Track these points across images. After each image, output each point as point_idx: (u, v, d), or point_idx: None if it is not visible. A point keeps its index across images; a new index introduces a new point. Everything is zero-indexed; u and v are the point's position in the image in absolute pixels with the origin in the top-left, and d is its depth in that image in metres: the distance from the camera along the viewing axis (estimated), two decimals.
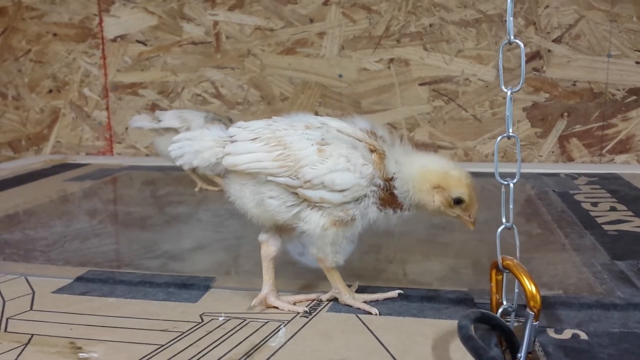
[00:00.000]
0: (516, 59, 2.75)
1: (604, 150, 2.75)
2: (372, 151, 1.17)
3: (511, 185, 1.09)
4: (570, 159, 2.78)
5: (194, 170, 2.31)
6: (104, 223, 1.96)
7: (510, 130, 1.08)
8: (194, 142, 1.21)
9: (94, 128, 3.22)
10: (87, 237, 1.79)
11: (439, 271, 1.49)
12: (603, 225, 1.76)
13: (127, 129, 3.18)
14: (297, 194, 1.15)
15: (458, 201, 1.15)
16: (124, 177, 2.71)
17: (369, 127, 1.21)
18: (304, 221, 1.16)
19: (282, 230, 1.25)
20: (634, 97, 2.69)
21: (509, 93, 1.07)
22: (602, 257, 1.49)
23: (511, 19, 1.06)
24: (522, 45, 1.05)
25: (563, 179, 2.42)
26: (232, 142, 1.19)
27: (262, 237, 1.26)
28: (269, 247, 1.25)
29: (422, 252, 1.60)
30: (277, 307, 1.22)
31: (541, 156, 2.80)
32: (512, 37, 1.06)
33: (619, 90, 2.70)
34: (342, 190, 1.12)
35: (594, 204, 2.00)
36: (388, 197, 1.16)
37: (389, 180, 1.16)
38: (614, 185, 2.28)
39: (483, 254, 1.60)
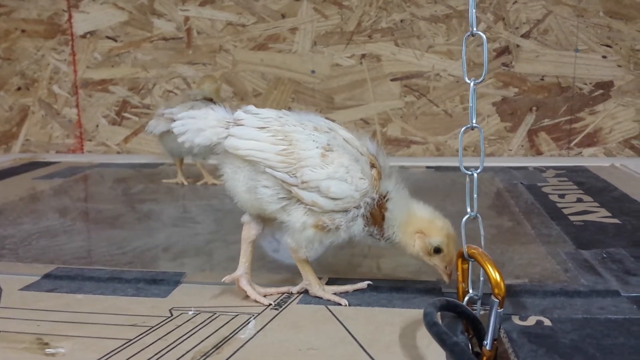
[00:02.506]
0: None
1: (572, 144, 2.80)
2: (372, 166, 1.19)
3: (475, 175, 1.10)
4: (539, 153, 2.83)
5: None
6: (74, 221, 1.94)
7: (474, 121, 1.10)
8: (198, 121, 1.22)
9: (63, 126, 3.18)
10: (56, 235, 1.77)
11: (413, 265, 1.50)
12: (569, 216, 1.79)
13: (97, 126, 3.14)
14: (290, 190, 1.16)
15: (437, 250, 1.17)
16: (95, 174, 2.69)
17: (373, 150, 1.22)
18: (287, 213, 1.17)
19: (264, 219, 1.25)
20: (601, 91, 2.74)
21: (472, 84, 1.09)
22: (567, 247, 1.52)
23: (474, 10, 1.07)
24: (484, 37, 1.07)
25: (532, 172, 2.46)
26: (238, 125, 1.19)
27: (245, 218, 1.27)
28: (250, 230, 1.25)
29: None
30: (245, 292, 1.22)
31: (510, 150, 2.84)
32: (474, 29, 1.08)
33: (586, 84, 2.75)
34: (335, 199, 1.14)
35: (561, 196, 2.04)
36: (377, 215, 1.18)
37: (383, 196, 1.18)
38: (581, 177, 2.32)
39: (457, 247, 1.62)
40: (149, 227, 1.86)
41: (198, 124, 1.21)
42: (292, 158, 1.14)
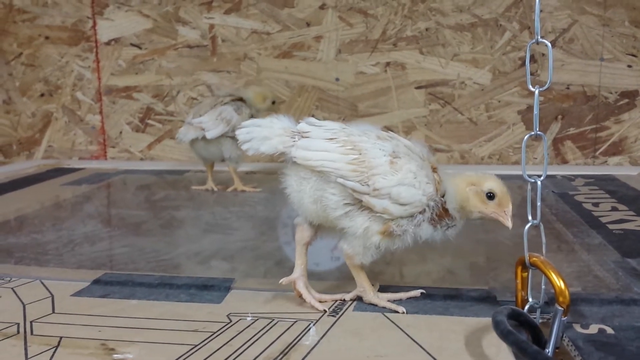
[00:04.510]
0: (511, 63, 2.80)
1: (598, 153, 2.80)
2: (434, 171, 1.20)
3: (539, 182, 1.11)
4: (565, 161, 2.83)
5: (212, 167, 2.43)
6: (109, 227, 1.95)
7: (537, 129, 1.10)
8: (263, 129, 1.22)
9: (87, 132, 3.19)
10: (95, 241, 1.77)
11: (436, 272, 1.50)
12: (608, 225, 1.79)
13: (121, 133, 3.15)
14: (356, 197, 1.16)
15: (490, 195, 1.16)
16: (121, 181, 2.69)
17: (425, 152, 1.23)
18: (350, 219, 1.17)
19: (318, 226, 1.26)
20: (626, 100, 2.75)
21: (536, 92, 1.09)
22: (613, 255, 1.52)
23: (538, 19, 1.08)
24: (549, 45, 1.07)
25: (560, 180, 2.46)
26: (305, 137, 1.20)
27: (299, 220, 1.27)
28: (304, 231, 1.25)
29: (418, 253, 1.60)
30: (301, 295, 1.23)
31: (535, 158, 2.84)
32: (539, 37, 1.08)
33: (611, 93, 2.76)
34: (404, 204, 1.15)
35: (595, 205, 2.04)
36: (443, 213, 1.19)
37: (442, 196, 1.19)
38: (611, 186, 2.32)
39: (479, 254, 1.63)
40: (187, 234, 1.86)
41: (264, 132, 1.21)
42: (363, 167, 1.15)
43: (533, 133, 1.10)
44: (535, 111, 1.08)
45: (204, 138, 2.30)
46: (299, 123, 1.23)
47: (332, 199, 1.17)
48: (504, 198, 1.16)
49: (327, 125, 1.22)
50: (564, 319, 1.05)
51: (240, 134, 1.23)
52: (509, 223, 1.16)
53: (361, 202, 1.16)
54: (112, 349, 1.04)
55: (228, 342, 1.06)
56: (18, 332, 1.12)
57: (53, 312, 1.22)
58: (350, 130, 1.21)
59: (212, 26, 2.98)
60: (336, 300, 1.26)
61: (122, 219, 2.07)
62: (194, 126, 2.31)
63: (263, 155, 1.23)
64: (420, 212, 1.17)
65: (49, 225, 1.94)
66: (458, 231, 1.21)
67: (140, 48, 3.07)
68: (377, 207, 1.15)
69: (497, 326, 0.95)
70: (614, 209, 1.98)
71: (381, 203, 1.14)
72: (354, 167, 1.15)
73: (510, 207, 1.16)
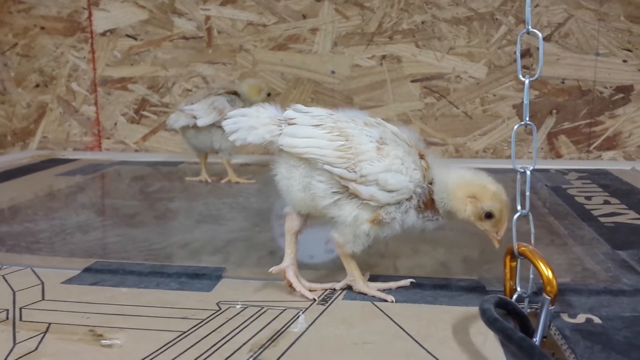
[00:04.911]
0: (506, 57, 2.80)
1: (592, 147, 2.80)
2: (421, 157, 1.19)
3: (528, 172, 1.11)
4: (559, 156, 2.83)
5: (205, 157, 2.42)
6: (103, 217, 1.95)
7: (527, 119, 1.10)
8: (250, 119, 1.21)
9: (82, 123, 3.18)
10: (88, 230, 1.77)
11: (429, 265, 1.51)
12: (599, 218, 1.79)
13: (115, 124, 3.15)
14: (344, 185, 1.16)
15: (489, 215, 1.14)
16: (115, 172, 2.69)
17: (413, 138, 1.22)
18: (339, 207, 1.17)
19: (311, 218, 1.26)
20: (621, 95, 2.75)
21: (526, 82, 1.10)
22: (603, 248, 1.52)
23: (529, 9, 1.08)
24: (540, 35, 1.07)
25: (554, 174, 2.46)
26: (291, 124, 1.19)
27: (288, 209, 1.26)
28: (293, 220, 1.25)
29: (412, 246, 1.61)
30: (291, 285, 1.23)
31: (530, 152, 2.84)
32: (530, 28, 1.08)
33: (606, 88, 2.76)
34: (391, 191, 1.14)
35: (588, 198, 2.04)
36: (428, 202, 1.18)
37: (430, 183, 1.18)
38: (604, 180, 2.32)
39: (473, 247, 1.63)
40: (180, 225, 1.86)
41: (250, 122, 1.20)
42: (350, 153, 1.14)
43: (523, 123, 1.11)
44: (525, 101, 1.09)
45: (194, 126, 2.29)
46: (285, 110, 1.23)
47: (319, 186, 1.17)
48: (501, 220, 1.15)
49: (313, 112, 1.21)
50: (551, 308, 1.05)
51: (227, 124, 1.23)
52: (497, 244, 1.16)
53: (349, 190, 1.16)
54: (100, 335, 1.04)
55: (217, 329, 1.06)
56: (7, 318, 1.12)
57: (43, 299, 1.22)
58: (337, 116, 1.20)
59: (208, 17, 2.98)
60: (326, 289, 1.26)
61: (116, 209, 2.07)
62: (185, 113, 2.31)
63: (251, 146, 1.22)
64: (407, 199, 1.17)
65: (42, 214, 1.94)
66: (438, 225, 1.21)
67: (135, 39, 3.06)
68: (364, 194, 1.14)
69: (484, 313, 0.96)
70: (606, 202, 1.99)
71: (368, 190, 1.14)
72: (340, 153, 1.14)
73: (504, 228, 1.15)
